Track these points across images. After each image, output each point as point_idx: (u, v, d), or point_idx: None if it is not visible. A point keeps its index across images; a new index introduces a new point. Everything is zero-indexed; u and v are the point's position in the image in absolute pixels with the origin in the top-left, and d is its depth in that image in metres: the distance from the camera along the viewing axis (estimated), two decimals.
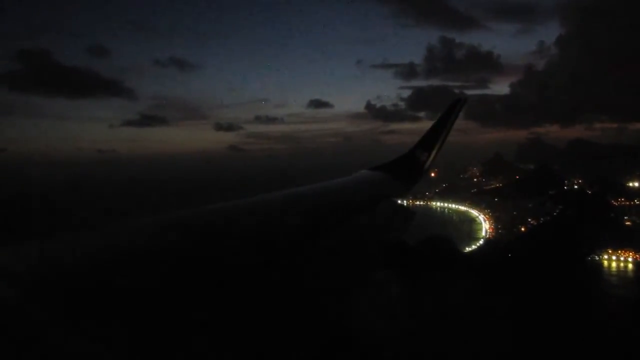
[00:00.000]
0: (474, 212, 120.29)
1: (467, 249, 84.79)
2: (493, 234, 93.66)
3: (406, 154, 6.26)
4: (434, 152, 6.18)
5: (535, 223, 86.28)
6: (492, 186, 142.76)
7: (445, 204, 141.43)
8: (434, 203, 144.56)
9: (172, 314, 1.47)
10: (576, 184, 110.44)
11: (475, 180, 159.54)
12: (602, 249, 67.89)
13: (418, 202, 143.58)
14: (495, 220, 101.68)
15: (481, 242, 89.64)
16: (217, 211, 2.63)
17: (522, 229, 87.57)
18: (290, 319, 1.81)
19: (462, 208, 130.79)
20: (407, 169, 5.91)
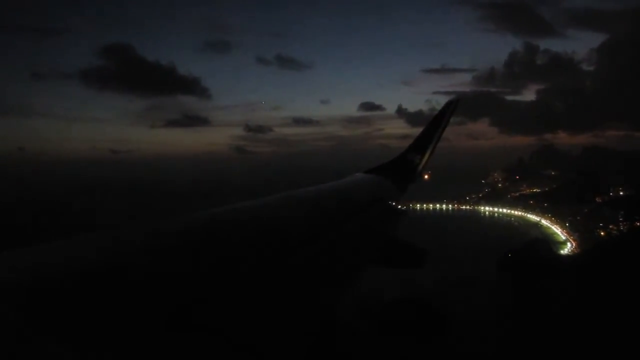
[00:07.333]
0: (532, 217, 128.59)
1: (562, 252, 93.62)
2: (573, 238, 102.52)
3: (399, 156, 6.32)
4: (427, 155, 6.24)
5: (614, 228, 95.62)
6: (527, 191, 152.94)
7: (495, 209, 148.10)
8: (481, 208, 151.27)
9: (175, 312, 1.46)
10: (621, 191, 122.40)
11: (500, 185, 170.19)
12: None
13: (464, 207, 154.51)
14: (567, 225, 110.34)
15: (569, 245, 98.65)
16: (213, 215, 2.69)
17: (602, 233, 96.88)
18: (288, 319, 1.86)
19: (517, 213, 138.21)
20: (400, 172, 5.96)
